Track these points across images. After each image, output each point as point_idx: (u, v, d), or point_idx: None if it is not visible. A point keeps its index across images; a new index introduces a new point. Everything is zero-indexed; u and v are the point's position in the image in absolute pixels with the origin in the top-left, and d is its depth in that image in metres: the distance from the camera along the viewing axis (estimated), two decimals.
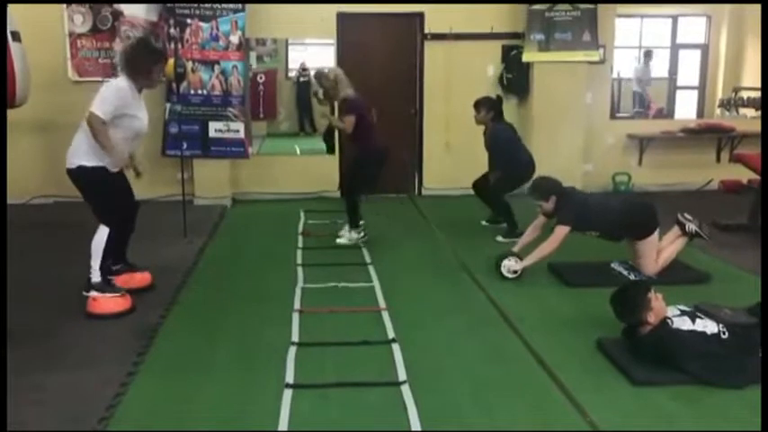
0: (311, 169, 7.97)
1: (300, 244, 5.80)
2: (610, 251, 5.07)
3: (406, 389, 3.11)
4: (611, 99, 8.87)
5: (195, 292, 4.56)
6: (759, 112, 8.70)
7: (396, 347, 3.58)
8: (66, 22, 7.18)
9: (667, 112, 10.55)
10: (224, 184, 7.48)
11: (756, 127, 8.03)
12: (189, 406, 3.02)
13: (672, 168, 8.32)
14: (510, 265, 4.74)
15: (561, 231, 4.62)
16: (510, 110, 6.60)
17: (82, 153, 4.05)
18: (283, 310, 4.16)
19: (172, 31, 7.01)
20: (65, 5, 7.15)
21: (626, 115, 10.11)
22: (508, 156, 6.03)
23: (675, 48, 10.61)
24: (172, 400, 3.07)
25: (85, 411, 2.92)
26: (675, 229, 4.86)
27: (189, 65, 7.01)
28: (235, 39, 7.18)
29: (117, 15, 7.19)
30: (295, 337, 3.74)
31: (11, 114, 5.74)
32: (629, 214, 4.77)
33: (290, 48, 9.98)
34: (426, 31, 7.73)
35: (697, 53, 10.55)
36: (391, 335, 3.76)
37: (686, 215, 4.86)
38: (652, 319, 3.33)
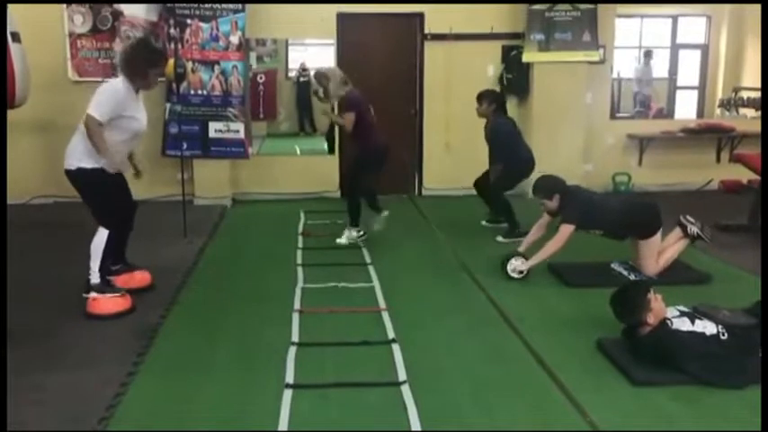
0: (311, 169, 7.98)
1: (300, 244, 5.80)
2: (610, 251, 5.08)
3: (406, 389, 3.11)
4: (611, 99, 8.87)
5: (195, 293, 4.56)
6: (759, 113, 8.70)
7: (396, 347, 3.58)
8: (66, 22, 7.17)
9: (667, 112, 10.55)
10: (224, 184, 7.48)
11: (756, 127, 8.03)
12: (189, 406, 3.02)
13: (672, 168, 8.32)
14: (516, 266, 4.73)
15: (566, 230, 4.61)
16: (510, 110, 6.59)
17: (81, 154, 4.04)
18: (283, 310, 4.16)
19: (172, 31, 7.01)
20: (65, 6, 7.15)
21: (626, 115, 10.12)
22: (508, 150, 6.03)
23: (675, 48, 10.61)
24: (172, 400, 3.07)
25: (85, 411, 2.92)
26: (677, 231, 4.86)
27: (189, 65, 7.02)
28: (235, 39, 7.18)
29: (117, 15, 7.19)
30: (295, 338, 3.74)
31: (11, 114, 5.74)
32: (634, 213, 4.77)
33: (290, 48, 10.01)
34: (426, 31, 7.73)
35: (697, 53, 10.55)
36: (391, 335, 3.76)
37: (688, 217, 4.85)
38: (651, 319, 3.33)
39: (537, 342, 3.66)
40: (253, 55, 8.34)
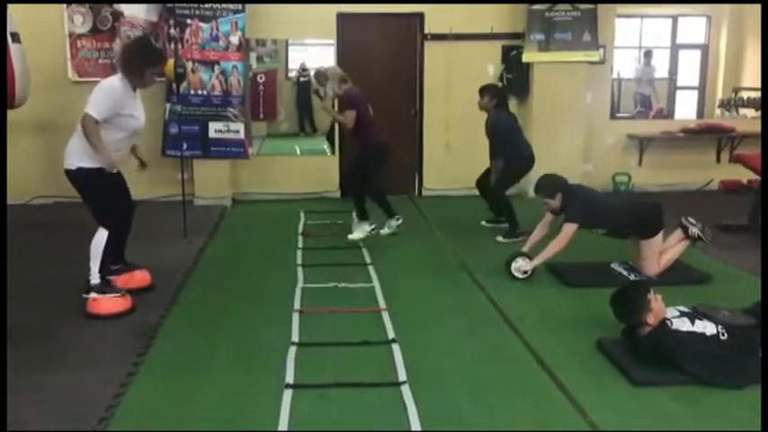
0: (311, 169, 7.98)
1: (300, 244, 5.80)
2: (610, 251, 5.08)
3: (406, 389, 3.11)
4: (611, 99, 8.87)
5: (195, 293, 4.56)
6: (759, 113, 8.70)
7: (396, 348, 3.58)
8: (67, 22, 7.18)
9: (667, 113, 10.55)
10: (224, 184, 7.48)
11: (756, 127, 8.03)
12: (189, 406, 3.02)
13: (672, 168, 8.32)
14: (520, 266, 4.73)
15: (569, 229, 4.62)
16: (510, 110, 6.60)
17: (81, 154, 4.04)
18: (283, 310, 4.16)
19: (172, 31, 7.01)
20: (65, 6, 7.15)
21: (626, 115, 10.11)
22: (509, 146, 6.01)
23: (675, 48, 10.61)
24: (172, 400, 3.07)
25: (85, 411, 2.92)
26: (678, 232, 4.86)
27: (189, 65, 7.02)
28: (235, 39, 7.18)
29: (117, 16, 7.19)
30: (295, 338, 3.74)
31: (11, 114, 5.75)
32: (637, 212, 4.78)
33: (290, 48, 9.97)
34: (426, 31, 7.73)
35: (697, 53, 10.55)
36: (391, 335, 3.76)
37: (690, 219, 4.85)
38: (651, 320, 3.33)
39: (537, 342, 3.66)
40: (253, 55, 8.32)
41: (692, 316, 3.37)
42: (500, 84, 7.59)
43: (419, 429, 2.78)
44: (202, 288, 4.67)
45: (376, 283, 4.72)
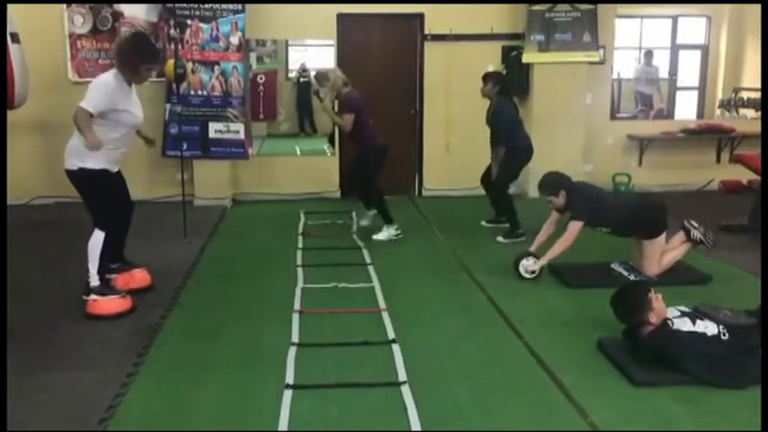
0: (311, 170, 7.98)
1: (300, 244, 5.80)
2: (610, 251, 5.08)
3: (406, 389, 3.11)
4: (612, 100, 8.87)
5: (195, 293, 4.56)
6: (759, 113, 8.70)
7: (396, 348, 3.58)
8: (67, 22, 7.18)
9: (667, 113, 10.55)
10: (224, 184, 7.48)
11: (756, 128, 8.03)
12: (189, 406, 3.02)
13: (672, 169, 8.32)
14: (528, 266, 4.73)
15: (575, 227, 4.62)
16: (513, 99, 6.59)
17: (83, 155, 4.03)
18: (283, 310, 4.16)
19: (172, 31, 7.01)
20: (65, 6, 7.15)
21: (626, 116, 10.12)
22: (509, 135, 5.99)
23: (675, 48, 10.60)
24: (172, 400, 3.07)
25: (85, 412, 2.92)
26: (681, 234, 4.85)
27: (189, 66, 7.01)
28: (235, 40, 7.18)
29: (117, 16, 7.20)
30: (295, 338, 3.74)
31: (11, 115, 5.75)
32: (642, 211, 4.77)
33: (290, 48, 10.02)
34: (426, 31, 7.73)
35: (697, 54, 10.54)
36: (391, 335, 3.76)
37: (692, 222, 4.84)
38: (653, 319, 3.33)
39: (537, 342, 3.66)
40: (253, 55, 8.35)
41: (694, 316, 3.37)
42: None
43: (419, 429, 2.78)
44: (202, 288, 4.67)
45: (376, 284, 4.71)
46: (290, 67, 10.32)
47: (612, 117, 8.85)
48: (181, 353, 3.59)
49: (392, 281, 4.77)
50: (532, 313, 4.14)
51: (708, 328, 3.28)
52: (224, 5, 7.07)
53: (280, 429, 2.79)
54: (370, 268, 5.08)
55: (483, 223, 6.44)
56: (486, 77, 6.17)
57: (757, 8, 7.83)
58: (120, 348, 3.62)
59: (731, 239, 5.69)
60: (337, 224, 6.34)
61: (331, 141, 8.15)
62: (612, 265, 4.92)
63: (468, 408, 3.00)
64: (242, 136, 7.27)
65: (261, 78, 9.37)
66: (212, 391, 3.15)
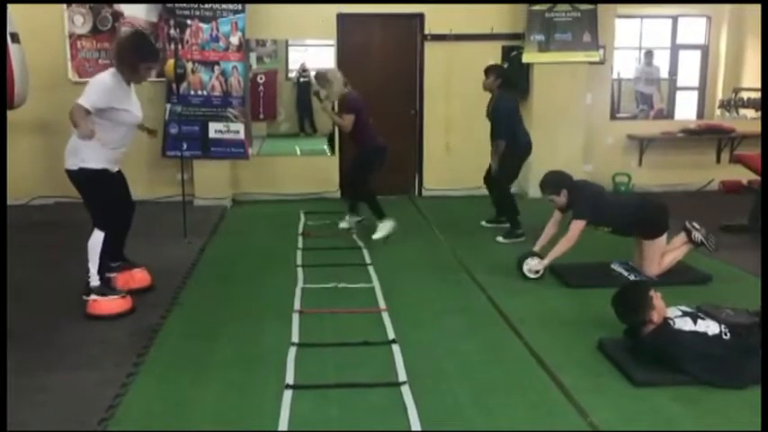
0: (311, 170, 7.98)
1: (300, 244, 5.80)
2: (610, 251, 5.08)
3: (406, 389, 3.11)
4: (612, 100, 8.87)
5: (195, 293, 4.56)
6: (759, 113, 8.70)
7: (396, 348, 3.58)
8: (67, 22, 7.18)
9: (667, 113, 10.55)
10: (224, 184, 7.48)
11: (756, 128, 8.03)
12: (189, 406, 3.02)
13: (672, 169, 8.32)
14: (532, 266, 4.73)
15: (577, 226, 4.62)
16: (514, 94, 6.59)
17: (84, 155, 4.03)
18: (283, 310, 4.16)
19: (172, 31, 7.01)
20: (65, 6, 7.15)
21: (626, 116, 10.12)
22: (509, 129, 5.98)
23: (675, 48, 10.60)
24: (172, 400, 3.07)
25: (85, 412, 2.92)
26: (682, 236, 4.85)
27: (189, 66, 7.02)
28: (235, 40, 7.18)
29: (117, 16, 7.20)
30: (295, 338, 3.74)
31: (11, 115, 5.76)
32: (644, 211, 4.77)
33: (290, 48, 10.01)
34: (426, 31, 7.73)
35: (697, 54, 10.54)
36: (391, 335, 3.76)
37: (694, 223, 4.84)
38: (655, 317, 3.33)
39: (537, 342, 3.66)
40: (253, 55, 8.34)
41: (695, 315, 3.37)
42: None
43: (419, 430, 2.78)
44: (202, 288, 4.67)
45: (376, 284, 4.71)
46: (290, 67, 10.31)
47: (612, 117, 8.85)
48: (181, 353, 3.59)
49: (392, 281, 4.77)
50: (532, 313, 4.14)
51: (709, 327, 3.28)
52: (224, 5, 7.07)
53: (280, 429, 2.79)
54: (370, 268, 5.08)
55: (483, 223, 6.44)
56: (488, 70, 6.17)
57: (757, 8, 7.83)
58: (120, 348, 3.62)
59: (731, 239, 5.69)
60: (337, 224, 6.33)
61: (330, 142, 8.15)
62: (612, 266, 4.92)
63: (468, 408, 3.00)
64: (242, 136, 7.28)
65: (261, 78, 9.37)
66: (212, 391, 3.15)
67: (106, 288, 4.19)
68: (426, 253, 5.60)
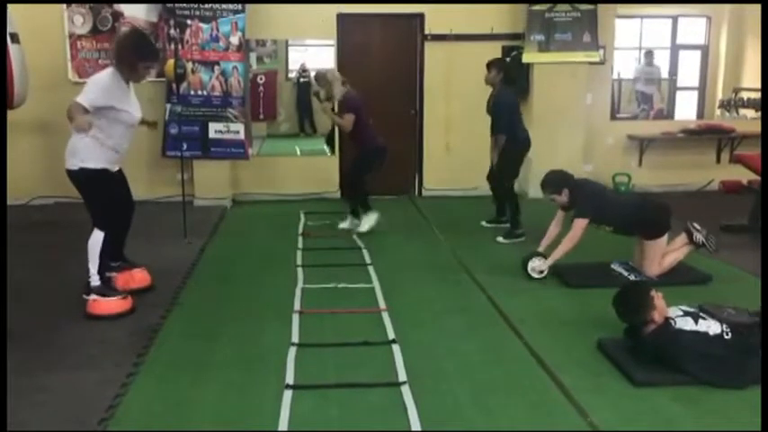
0: (311, 170, 7.98)
1: (300, 245, 5.80)
2: (610, 251, 5.08)
3: (406, 389, 3.11)
4: (612, 100, 8.87)
5: (195, 293, 4.56)
6: (759, 113, 8.70)
7: (396, 348, 3.58)
8: (67, 23, 7.18)
9: (667, 113, 10.55)
10: (224, 184, 7.48)
11: (756, 128, 8.03)
12: (189, 406, 3.02)
13: (672, 169, 8.32)
14: (537, 266, 4.73)
15: (580, 225, 4.62)
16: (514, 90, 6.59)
17: (84, 155, 4.03)
18: (283, 310, 4.16)
19: (172, 31, 7.01)
20: (65, 6, 7.15)
21: (626, 116, 10.12)
22: (509, 124, 5.98)
23: (675, 48, 10.60)
24: (172, 400, 3.07)
25: (86, 412, 2.92)
26: (683, 237, 4.85)
27: (189, 66, 7.01)
28: (235, 40, 7.18)
29: (117, 16, 7.20)
30: (295, 338, 3.74)
31: (11, 115, 5.76)
32: (642, 212, 4.77)
33: (290, 49, 10.02)
34: (426, 31, 7.73)
35: (697, 54, 10.54)
36: (391, 335, 3.76)
37: (695, 225, 4.84)
38: (656, 317, 3.33)
39: (537, 342, 3.66)
40: (253, 56, 8.34)
41: (696, 315, 3.36)
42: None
43: (419, 430, 2.78)
44: (202, 288, 4.67)
45: (376, 284, 4.71)
46: (290, 67, 10.32)
47: (613, 117, 8.86)
48: (181, 353, 3.59)
49: (392, 281, 4.77)
50: (532, 313, 4.14)
51: (710, 327, 3.28)
52: (224, 5, 7.07)
53: (280, 429, 2.79)
54: (370, 268, 5.08)
55: (483, 223, 6.43)
56: (490, 65, 6.17)
57: (757, 8, 7.82)
58: (120, 348, 3.62)
59: (731, 239, 5.69)
60: (337, 224, 6.33)
61: (328, 142, 8.15)
62: (612, 266, 4.92)
63: (468, 408, 3.00)
64: (242, 136, 7.27)
65: (261, 78, 9.38)
66: (212, 391, 3.15)
67: (107, 288, 4.19)
68: (426, 253, 5.60)
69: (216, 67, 7.18)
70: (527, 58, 7.68)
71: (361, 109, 5.82)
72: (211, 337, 3.78)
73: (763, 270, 4.57)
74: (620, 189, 8.09)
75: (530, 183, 7.11)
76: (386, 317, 4.06)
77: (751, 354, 3.19)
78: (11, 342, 3.44)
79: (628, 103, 10.53)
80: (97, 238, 4.11)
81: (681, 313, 3.39)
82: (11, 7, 5.67)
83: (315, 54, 9.51)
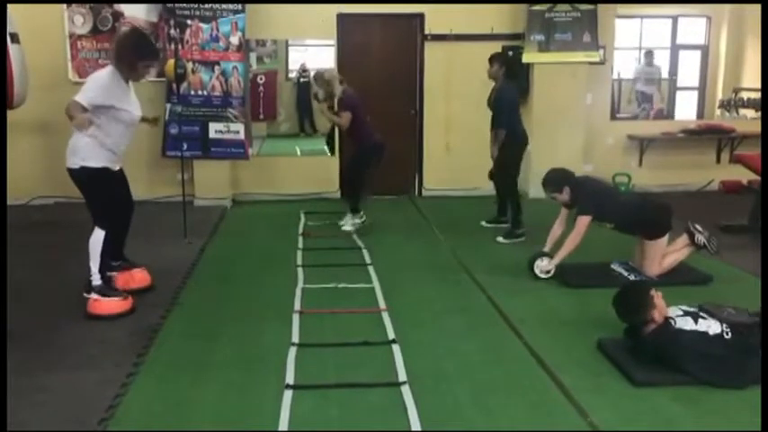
0: (311, 170, 7.97)
1: (300, 245, 5.80)
2: (610, 251, 5.08)
3: (406, 389, 3.11)
4: (612, 100, 8.87)
5: (195, 293, 4.56)
6: (759, 113, 8.70)
7: (396, 348, 3.58)
8: (67, 23, 7.18)
9: (667, 113, 10.55)
10: (224, 184, 7.48)
11: (756, 128, 8.03)
12: (189, 406, 3.02)
13: (672, 169, 8.32)
14: (543, 266, 4.73)
15: (583, 222, 4.62)
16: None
17: (85, 153, 4.03)
18: (283, 310, 4.16)
19: (172, 31, 7.01)
20: (65, 6, 7.15)
21: (626, 116, 10.12)
22: (510, 118, 5.98)
23: (675, 48, 10.60)
24: (172, 400, 3.07)
25: (86, 412, 2.92)
26: (684, 237, 4.85)
27: (189, 66, 7.01)
28: (235, 40, 7.18)
29: (117, 16, 7.20)
30: (295, 338, 3.74)
31: (11, 115, 5.76)
32: (642, 211, 4.77)
33: (290, 49, 10.02)
34: (426, 31, 7.73)
35: (697, 54, 10.54)
36: (391, 335, 3.76)
37: (697, 226, 4.84)
38: (656, 317, 3.33)
39: (537, 342, 3.66)
40: (253, 56, 8.34)
41: (696, 315, 3.36)
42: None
43: (419, 430, 2.78)
44: (202, 288, 4.67)
45: (376, 284, 4.71)
46: (290, 67, 10.31)
47: (613, 117, 8.85)
48: (181, 353, 3.59)
49: (392, 281, 4.77)
50: (532, 313, 4.14)
51: (710, 326, 3.28)
52: (224, 5, 7.08)
53: (280, 429, 2.79)
54: (370, 268, 5.08)
55: (483, 223, 6.43)
56: (493, 59, 6.17)
57: (757, 8, 7.82)
58: (120, 348, 3.62)
59: (731, 240, 5.69)
60: (337, 224, 6.33)
61: (328, 142, 8.16)
62: (612, 265, 4.92)
63: (468, 408, 3.00)
64: (242, 136, 7.27)
65: (261, 78, 9.38)
66: (212, 391, 3.15)
67: (108, 288, 4.19)
68: (426, 253, 5.60)
69: (216, 67, 7.18)
70: (527, 58, 7.68)
71: (357, 107, 5.88)
72: (211, 337, 3.78)
73: (764, 270, 4.57)
74: (621, 189, 8.08)
75: (530, 183, 7.11)
76: (386, 317, 4.06)
77: (751, 354, 3.19)
78: (11, 342, 3.45)
79: (628, 103, 10.53)
80: (98, 236, 4.11)
81: (681, 313, 3.39)
82: (11, 7, 5.66)
83: (315, 54, 9.51)
